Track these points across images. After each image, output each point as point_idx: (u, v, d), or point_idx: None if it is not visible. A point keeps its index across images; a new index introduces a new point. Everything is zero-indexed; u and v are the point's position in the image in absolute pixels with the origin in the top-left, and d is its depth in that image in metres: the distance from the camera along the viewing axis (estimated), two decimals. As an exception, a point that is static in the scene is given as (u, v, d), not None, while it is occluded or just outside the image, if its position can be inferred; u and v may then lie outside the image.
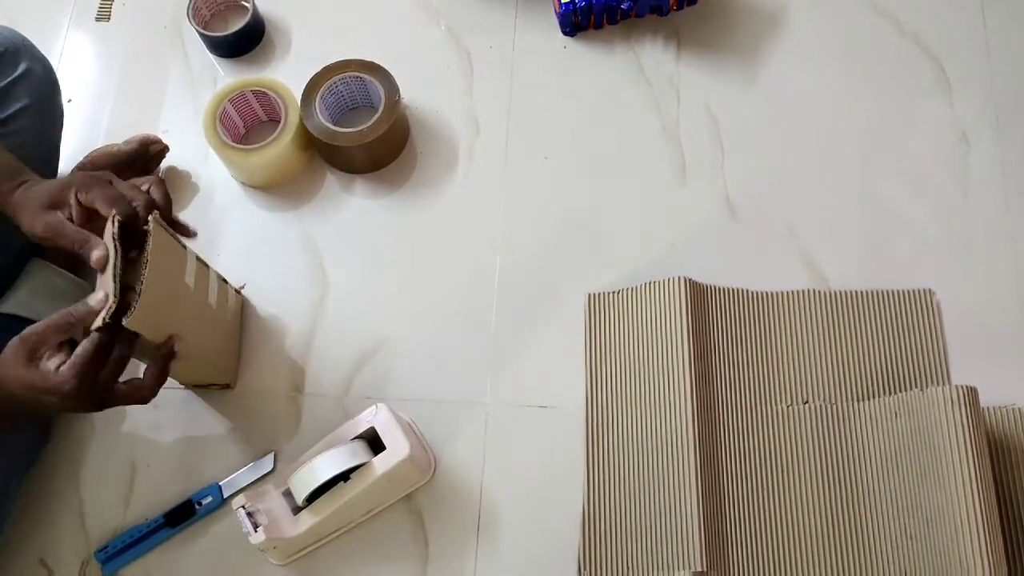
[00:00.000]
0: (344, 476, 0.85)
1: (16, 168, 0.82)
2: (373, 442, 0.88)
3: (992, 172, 1.06)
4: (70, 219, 0.77)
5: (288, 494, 0.88)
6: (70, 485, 0.97)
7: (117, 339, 0.76)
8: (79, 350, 0.73)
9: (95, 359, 0.73)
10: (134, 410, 1.00)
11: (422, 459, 0.93)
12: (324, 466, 0.84)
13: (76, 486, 0.97)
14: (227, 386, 1.00)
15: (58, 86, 1.01)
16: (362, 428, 0.89)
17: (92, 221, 0.78)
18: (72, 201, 0.77)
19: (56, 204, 0.78)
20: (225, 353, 0.99)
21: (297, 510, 0.87)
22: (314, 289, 1.05)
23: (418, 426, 0.97)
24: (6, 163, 0.82)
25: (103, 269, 0.76)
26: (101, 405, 0.76)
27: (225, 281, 0.98)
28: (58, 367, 0.72)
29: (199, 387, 1.00)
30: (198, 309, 0.90)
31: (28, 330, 0.73)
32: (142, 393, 0.80)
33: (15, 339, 0.72)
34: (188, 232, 0.85)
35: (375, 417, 0.89)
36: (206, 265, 0.91)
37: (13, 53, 0.95)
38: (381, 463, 0.86)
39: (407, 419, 0.96)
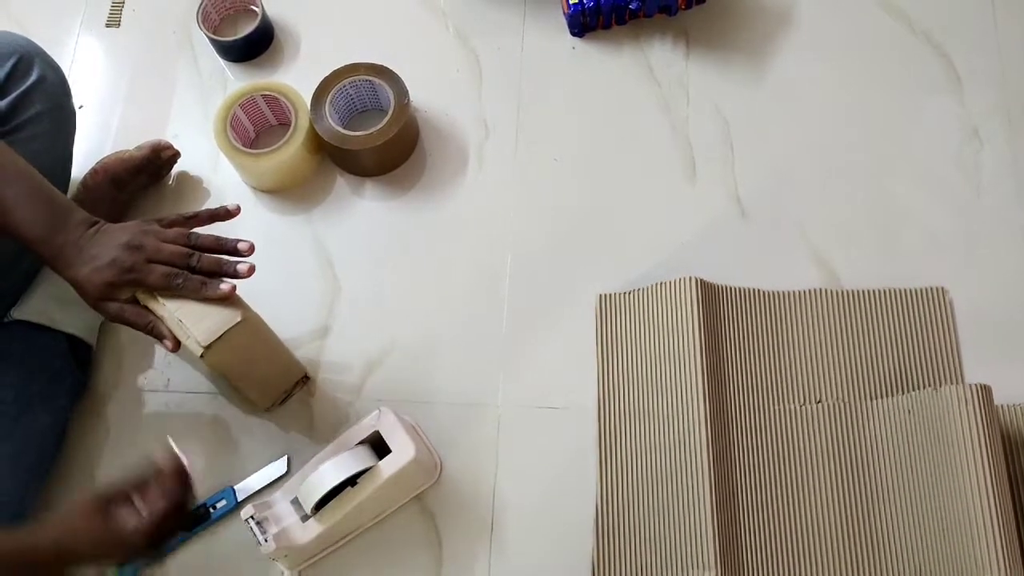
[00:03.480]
0: (351, 481, 0.85)
1: (59, 213, 0.80)
2: (378, 446, 0.89)
3: (1004, 169, 1.06)
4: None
5: (296, 502, 0.88)
6: (85, 489, 0.97)
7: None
8: (158, 506, 0.73)
9: (174, 513, 0.74)
10: (148, 415, 1.01)
11: (428, 461, 0.93)
12: (331, 473, 0.84)
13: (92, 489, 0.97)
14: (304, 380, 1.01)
15: (70, 92, 1.01)
16: (366, 433, 0.89)
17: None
18: (124, 300, 0.79)
19: (110, 295, 0.79)
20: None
21: (306, 518, 0.87)
22: (325, 292, 1.05)
23: (422, 428, 0.97)
24: (47, 226, 0.79)
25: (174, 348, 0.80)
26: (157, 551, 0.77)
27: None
28: (134, 525, 0.72)
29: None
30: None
31: (100, 489, 0.73)
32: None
33: (81, 500, 0.73)
34: (230, 214, 0.85)
35: (379, 421, 0.89)
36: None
37: (27, 60, 0.95)
38: (387, 466, 0.86)
39: (411, 421, 0.96)
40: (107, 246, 0.78)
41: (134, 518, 0.73)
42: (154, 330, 0.80)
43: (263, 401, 0.98)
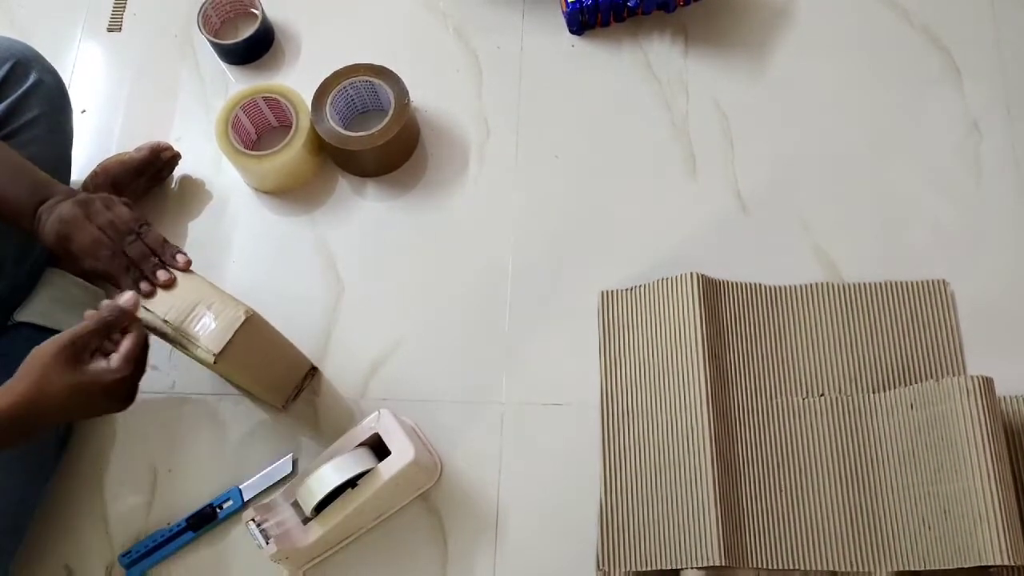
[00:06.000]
0: (351, 483, 0.86)
1: (36, 184, 0.83)
2: (378, 448, 0.89)
3: (1004, 161, 1.06)
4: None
5: (297, 505, 0.88)
6: (93, 491, 0.98)
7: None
8: (128, 342, 0.74)
9: (143, 351, 0.76)
10: (155, 416, 1.01)
11: (427, 461, 0.94)
12: (330, 475, 0.85)
13: (99, 492, 0.98)
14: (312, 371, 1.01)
15: (68, 96, 1.02)
16: (366, 435, 0.89)
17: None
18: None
19: (67, 249, 0.81)
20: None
21: (307, 520, 0.88)
22: (328, 292, 1.06)
23: (423, 428, 0.98)
24: (30, 181, 0.83)
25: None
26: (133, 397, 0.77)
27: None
28: (106, 365, 0.73)
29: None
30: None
31: (64, 337, 0.72)
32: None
33: (49, 350, 0.71)
34: (179, 265, 0.84)
35: (378, 423, 0.89)
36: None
37: (24, 65, 0.96)
38: (387, 468, 0.86)
39: (410, 423, 0.96)
40: (69, 205, 0.80)
41: (104, 360, 0.73)
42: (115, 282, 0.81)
43: (276, 399, 0.98)
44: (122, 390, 0.74)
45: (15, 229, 0.92)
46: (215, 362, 0.80)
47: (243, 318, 0.80)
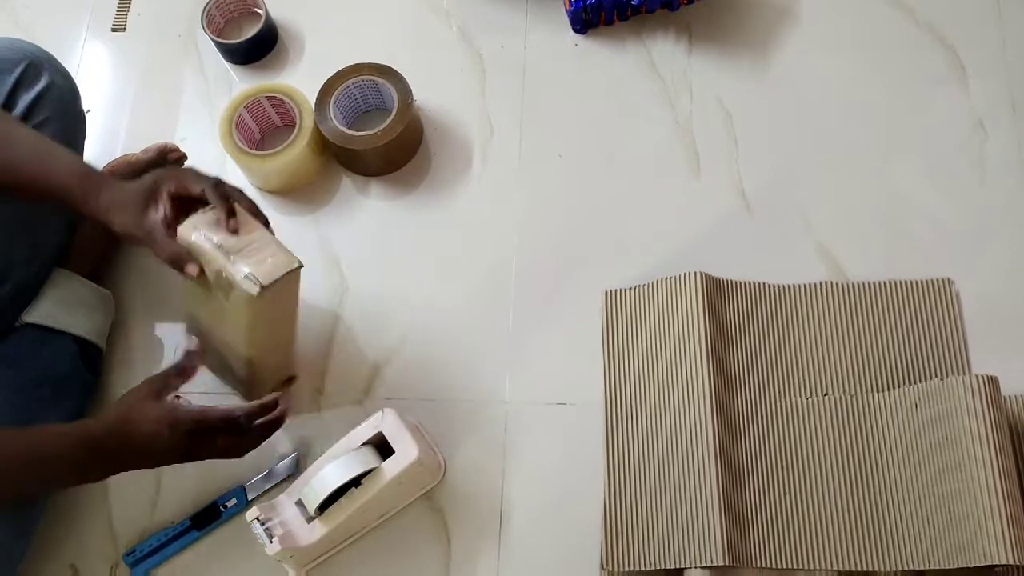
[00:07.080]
0: (355, 482, 0.86)
1: (84, 172, 0.83)
2: (381, 447, 0.89)
3: (1009, 159, 1.06)
4: (164, 219, 0.80)
5: (301, 503, 0.88)
6: (98, 490, 0.98)
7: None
8: (218, 411, 0.81)
9: (222, 421, 0.81)
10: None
11: (431, 461, 0.94)
12: (334, 474, 0.85)
13: (104, 491, 0.98)
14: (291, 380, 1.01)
15: (79, 98, 1.02)
16: (369, 434, 0.89)
17: (184, 213, 0.82)
18: (164, 197, 0.80)
19: (151, 201, 0.80)
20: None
21: (311, 519, 0.88)
22: (333, 292, 1.06)
23: (427, 427, 0.98)
24: (76, 166, 0.83)
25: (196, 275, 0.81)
26: (201, 454, 0.81)
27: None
28: (187, 403, 0.81)
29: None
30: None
31: (146, 380, 0.81)
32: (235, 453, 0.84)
33: (136, 389, 0.80)
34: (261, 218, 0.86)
35: (382, 422, 0.89)
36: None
37: (36, 67, 0.96)
38: (391, 467, 0.86)
39: (414, 422, 0.96)
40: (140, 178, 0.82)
41: (186, 402, 0.81)
42: (178, 260, 0.81)
43: (251, 390, 0.96)
44: (193, 422, 0.79)
45: (24, 231, 0.92)
46: (257, 294, 0.78)
47: (297, 264, 0.80)
